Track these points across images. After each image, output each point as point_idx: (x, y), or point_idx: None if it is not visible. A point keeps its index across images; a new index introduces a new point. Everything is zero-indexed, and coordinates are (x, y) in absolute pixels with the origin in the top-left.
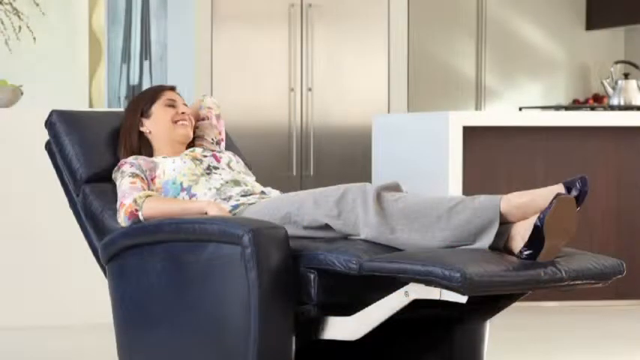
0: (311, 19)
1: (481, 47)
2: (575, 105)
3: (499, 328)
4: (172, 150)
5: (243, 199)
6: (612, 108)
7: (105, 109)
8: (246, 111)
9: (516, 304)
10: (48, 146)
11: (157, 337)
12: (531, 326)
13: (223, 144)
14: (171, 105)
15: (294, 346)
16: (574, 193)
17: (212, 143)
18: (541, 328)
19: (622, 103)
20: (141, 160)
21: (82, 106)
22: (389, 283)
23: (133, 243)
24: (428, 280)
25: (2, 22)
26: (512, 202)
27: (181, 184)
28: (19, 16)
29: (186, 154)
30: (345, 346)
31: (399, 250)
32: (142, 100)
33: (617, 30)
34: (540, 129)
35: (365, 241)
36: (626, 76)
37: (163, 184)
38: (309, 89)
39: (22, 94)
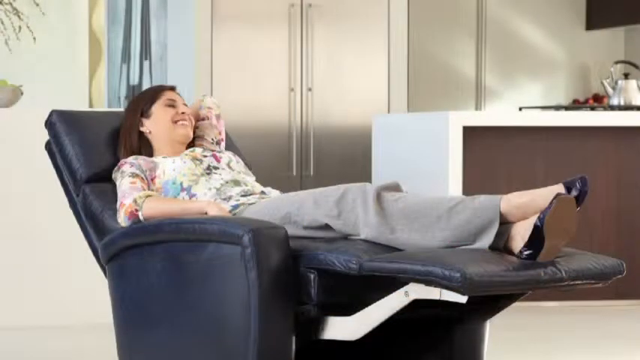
0: (311, 19)
1: (481, 47)
2: (575, 105)
3: (499, 328)
4: (172, 150)
5: (243, 199)
6: (612, 108)
7: (105, 109)
8: (246, 111)
9: (516, 304)
10: (48, 146)
11: (156, 337)
12: (531, 326)
13: (223, 144)
14: (171, 105)
15: (294, 346)
16: (574, 193)
17: (212, 143)
18: (541, 328)
19: (622, 103)
20: (141, 160)
21: (82, 106)
22: (389, 283)
23: (133, 243)
24: (428, 280)
25: (2, 22)
26: (512, 202)
27: (181, 184)
28: (19, 16)
29: (186, 154)
30: (345, 346)
31: (399, 250)
32: (142, 100)
33: (617, 30)
34: (540, 129)
35: (365, 241)
36: (626, 76)
37: (163, 184)
38: (309, 89)
39: (22, 94)
